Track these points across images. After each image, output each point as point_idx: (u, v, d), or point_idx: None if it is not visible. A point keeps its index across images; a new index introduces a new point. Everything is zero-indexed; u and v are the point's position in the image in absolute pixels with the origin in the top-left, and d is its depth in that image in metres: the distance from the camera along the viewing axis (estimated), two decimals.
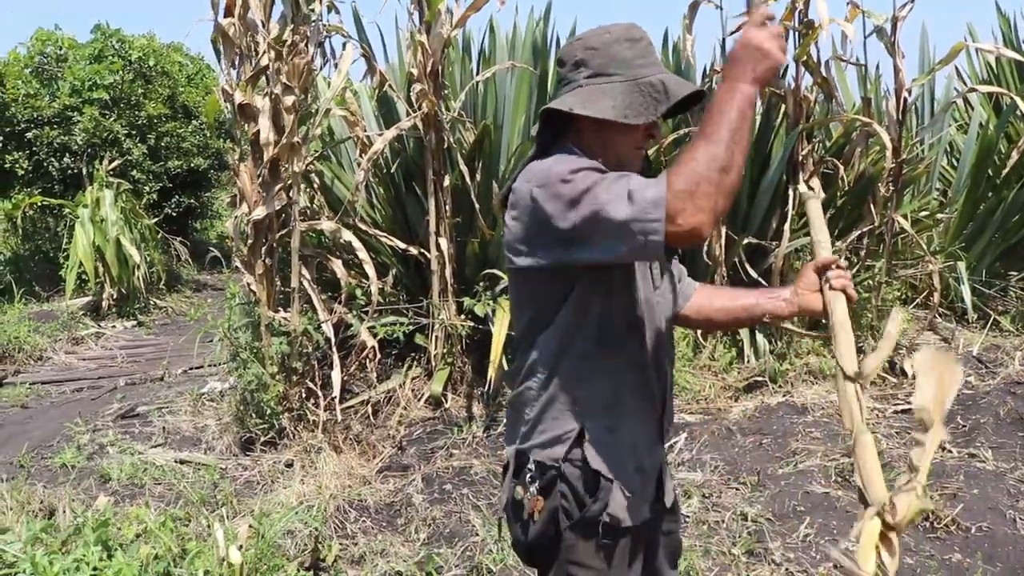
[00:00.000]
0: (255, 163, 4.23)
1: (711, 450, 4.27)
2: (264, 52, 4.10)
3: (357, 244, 4.33)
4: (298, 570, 3.11)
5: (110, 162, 8.46)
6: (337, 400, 4.26)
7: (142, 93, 9.58)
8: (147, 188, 9.45)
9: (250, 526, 2.90)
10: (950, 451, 4.19)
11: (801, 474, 3.96)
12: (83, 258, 7.95)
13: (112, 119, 9.26)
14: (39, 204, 8.95)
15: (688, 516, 3.53)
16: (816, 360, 5.36)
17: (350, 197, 4.46)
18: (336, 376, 4.28)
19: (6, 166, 8.86)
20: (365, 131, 4.60)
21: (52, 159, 9.03)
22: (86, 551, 2.84)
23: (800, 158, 5.34)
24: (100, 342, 7.41)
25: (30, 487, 3.88)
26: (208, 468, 4.18)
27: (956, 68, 8.02)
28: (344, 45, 4.48)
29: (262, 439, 4.35)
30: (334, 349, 4.32)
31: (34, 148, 9.00)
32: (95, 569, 2.81)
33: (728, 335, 5.57)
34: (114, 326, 8.00)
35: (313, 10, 4.15)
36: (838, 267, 1.73)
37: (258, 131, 4.13)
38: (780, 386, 5.18)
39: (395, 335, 4.95)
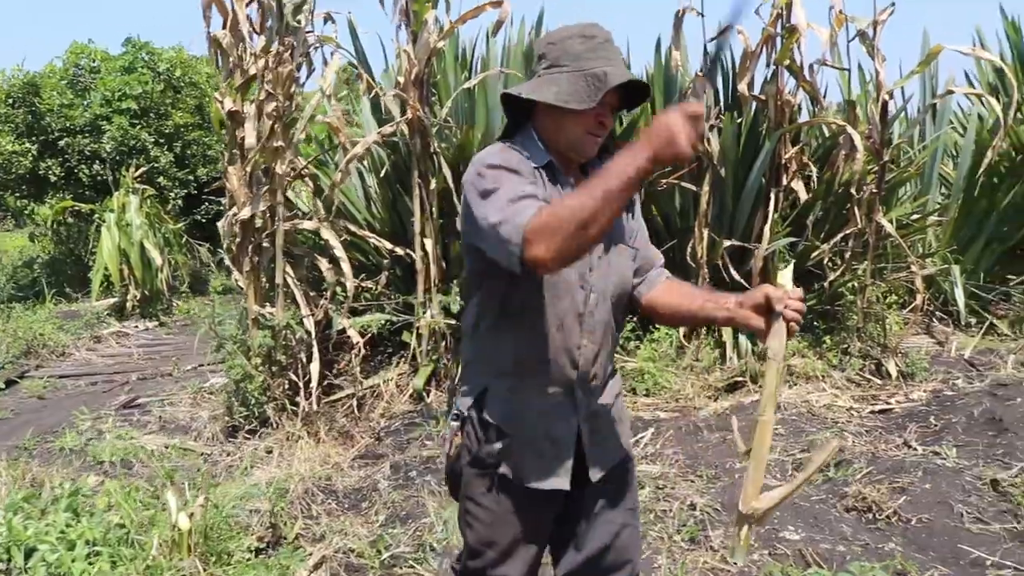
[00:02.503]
0: (243, 166, 4.47)
1: (675, 444, 4.38)
2: (252, 62, 4.34)
3: (335, 243, 4.54)
4: (258, 543, 3.32)
5: (136, 169, 8.84)
6: (315, 391, 4.46)
7: (170, 103, 9.99)
8: (173, 194, 9.85)
9: (206, 498, 3.10)
10: (913, 448, 4.24)
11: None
12: (108, 261, 8.33)
13: (140, 128, 9.67)
14: (70, 209, 9.39)
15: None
16: (799, 362, 5.43)
17: (328, 195, 4.67)
18: (315, 368, 4.49)
19: (40, 173, 9.33)
20: (348, 138, 4.81)
21: (83, 166, 9.48)
22: (56, 517, 3.09)
23: (784, 161, 5.43)
24: (121, 341, 7.75)
25: (27, 465, 4.15)
26: (193, 453, 4.43)
27: (965, 72, 8.02)
28: (331, 55, 4.70)
29: (246, 427, 4.57)
30: (314, 343, 4.53)
31: (66, 155, 9.47)
32: (62, 532, 3.05)
33: (713, 334, 5.66)
34: (136, 326, 8.34)
35: (299, 21, 4.38)
36: (800, 300, 1.75)
37: (244, 136, 4.37)
38: (760, 387, 5.25)
39: (383, 332, 5.16)
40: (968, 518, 3.45)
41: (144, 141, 9.59)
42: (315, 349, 4.53)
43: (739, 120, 5.53)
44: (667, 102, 5.85)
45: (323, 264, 4.74)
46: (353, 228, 5.17)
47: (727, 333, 5.55)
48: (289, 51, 4.32)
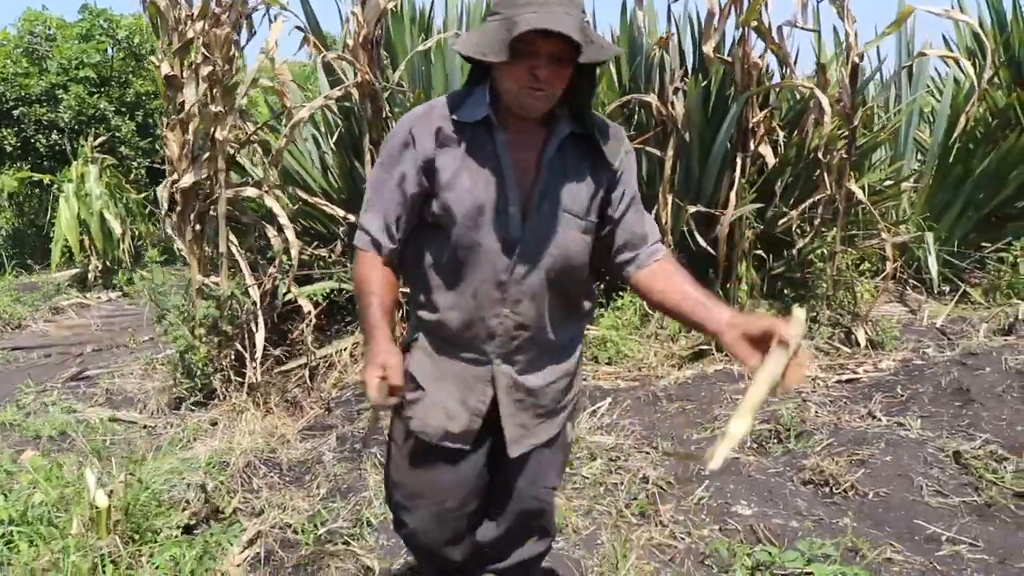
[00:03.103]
0: (182, 132, 4.28)
1: (632, 415, 4.25)
2: (189, 24, 4.14)
3: (278, 211, 4.36)
4: (190, 519, 3.18)
5: (95, 138, 8.60)
6: (258, 362, 4.30)
7: (131, 72, 9.72)
8: (135, 164, 9.60)
9: (128, 474, 2.96)
10: (878, 419, 4.13)
11: (714, 439, 3.91)
12: (67, 231, 8.11)
13: (99, 97, 9.41)
14: (30, 179, 9.14)
15: (588, 478, 3.53)
16: None
17: (271, 161, 4.48)
18: (260, 339, 4.34)
19: None
20: (291, 102, 4.63)
21: (40, 136, 9.22)
22: None
23: (751, 125, 5.27)
24: (81, 312, 7.56)
25: None
26: (135, 426, 4.28)
27: (944, 36, 7.85)
28: (275, 17, 4.50)
29: (192, 399, 4.42)
30: (259, 313, 4.37)
31: (22, 125, 9.20)
32: None
33: None
34: (99, 297, 8.15)
35: None
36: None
37: (183, 101, 4.18)
38: (726, 355, 5.14)
39: (340, 301, 5.00)
40: (928, 491, 3.34)
41: (104, 110, 9.33)
42: (260, 319, 4.37)
43: (704, 83, 5.35)
44: (632, 64, 5.68)
45: (271, 232, 4.57)
46: (304, 196, 4.99)
47: None
48: (226, 12, 4.12)
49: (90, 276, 8.43)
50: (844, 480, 3.38)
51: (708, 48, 5.20)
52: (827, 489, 3.38)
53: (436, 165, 1.78)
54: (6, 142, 9.11)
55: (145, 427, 4.28)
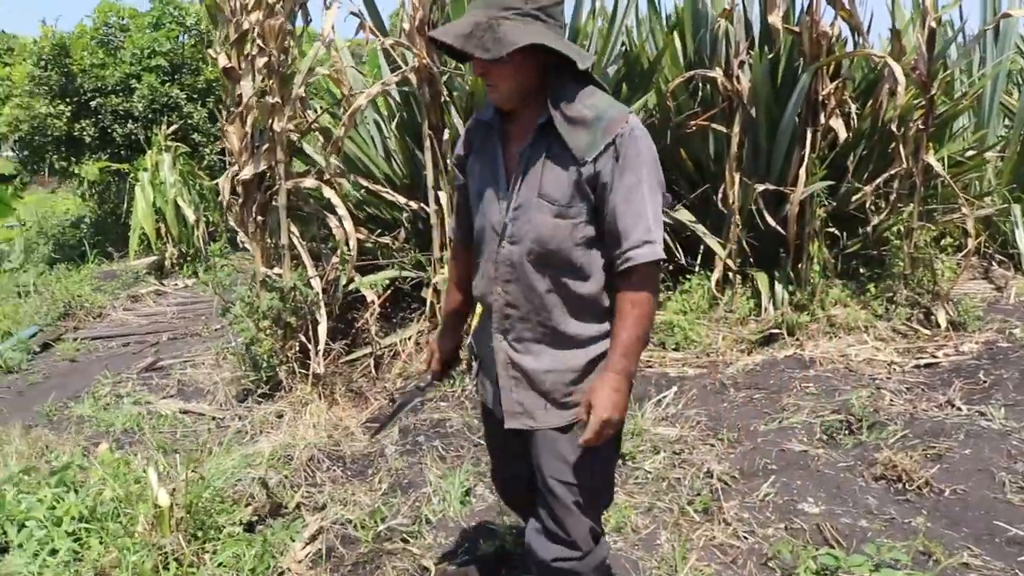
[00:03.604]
0: (242, 124, 4.31)
1: (698, 405, 4.15)
2: (243, 16, 4.15)
3: (336, 200, 4.37)
4: (253, 515, 3.24)
5: (168, 126, 8.80)
6: (321, 353, 4.34)
7: (201, 58, 9.89)
8: (208, 150, 9.79)
9: (188, 472, 3.02)
10: (957, 408, 3.94)
11: (783, 431, 3.81)
12: (143, 220, 8.35)
13: (171, 84, 9.61)
14: (106, 169, 9.43)
15: (650, 473, 3.46)
16: (842, 312, 5.10)
17: (330, 150, 4.47)
18: (323, 330, 4.37)
19: (75, 134, 9.37)
20: (350, 89, 4.62)
21: (116, 126, 9.48)
22: (46, 492, 3.05)
23: (821, 98, 5.04)
24: (158, 300, 7.78)
25: (41, 433, 4.15)
26: (205, 418, 4.38)
27: None
28: (331, 4, 4.47)
29: (258, 391, 4.50)
30: (321, 303, 4.40)
31: (99, 116, 9.47)
32: (51, 507, 3.02)
33: (749, 283, 5.36)
34: (175, 284, 8.37)
35: None
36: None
37: (241, 93, 4.21)
38: (797, 339, 4.97)
39: (405, 289, 5.02)
40: (1011, 488, 3.18)
41: (176, 98, 9.53)
42: (323, 310, 4.40)
43: (771, 55, 5.13)
44: (695, 37, 5.48)
45: (332, 222, 4.58)
46: (365, 183, 4.99)
47: (762, 281, 5.25)
48: (280, 2, 4.11)
49: (167, 263, 8.67)
50: (918, 476, 3.23)
51: (774, 18, 4.99)
52: (900, 485, 3.24)
53: (467, 162, 2.13)
54: (85, 133, 9.40)
55: (213, 419, 4.38)
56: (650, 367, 4.79)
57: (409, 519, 3.24)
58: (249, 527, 3.15)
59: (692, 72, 5.23)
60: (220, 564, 2.82)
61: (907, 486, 3.22)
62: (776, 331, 5.01)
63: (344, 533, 3.19)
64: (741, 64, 5.07)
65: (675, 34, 5.60)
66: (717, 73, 5.11)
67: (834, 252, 5.33)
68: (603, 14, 5.71)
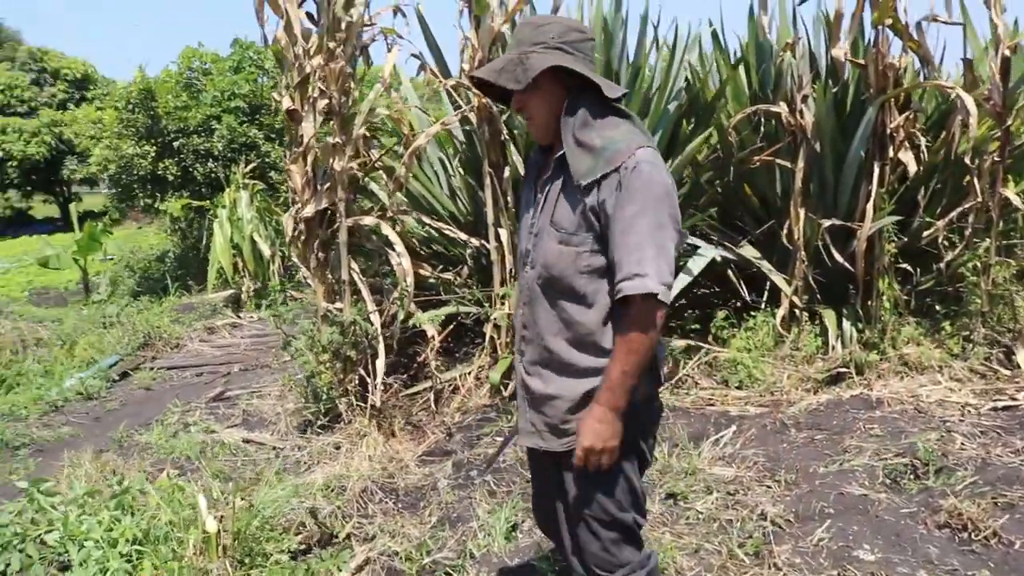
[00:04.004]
0: (304, 163, 4.45)
1: (756, 445, 4.05)
2: (306, 59, 4.31)
3: (394, 238, 4.45)
4: (301, 544, 3.29)
5: (246, 165, 9.14)
6: (379, 387, 4.40)
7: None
8: (284, 187, 10.12)
9: (235, 500, 3.09)
10: None
11: (843, 473, 3.68)
12: (220, 255, 8.67)
13: (249, 125, 10.01)
14: (187, 206, 9.86)
15: (701, 513, 3.38)
16: (915, 351, 4.92)
17: (392, 188, 4.57)
18: (380, 365, 4.43)
19: (159, 173, 9.83)
20: (411, 129, 4.73)
21: (197, 165, 9.92)
22: (104, 514, 3.17)
23: (889, 131, 4.92)
24: (234, 332, 8.04)
25: (110, 458, 4.32)
26: (265, 447, 4.48)
27: None
28: (389, 47, 4.61)
29: (318, 423, 4.58)
30: (380, 339, 4.47)
31: (182, 155, 9.93)
32: (108, 529, 3.13)
33: (815, 321, 5.22)
34: (251, 317, 8.64)
35: (352, 16, 4.30)
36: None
37: (303, 134, 4.35)
38: (865, 379, 4.81)
39: (468, 324, 5.07)
40: None
41: (254, 137, 9.93)
42: (381, 345, 4.47)
43: (835, 89, 5.04)
44: (759, 69, 5.42)
45: (393, 259, 4.67)
46: (428, 220, 5.08)
47: (830, 319, 5.11)
48: (340, 46, 4.25)
49: (243, 296, 8.96)
50: (986, 525, 3.06)
51: (838, 51, 4.91)
52: (965, 535, 3.07)
53: None
54: (168, 171, 9.86)
55: (273, 449, 4.48)
56: (711, 405, 4.70)
57: (455, 553, 3.24)
58: (298, 555, 3.20)
59: (755, 107, 5.17)
60: None
61: (973, 536, 3.06)
62: (844, 370, 4.86)
63: (390, 565, 3.21)
64: (805, 98, 4.99)
65: (739, 68, 5.55)
66: (781, 108, 5.04)
67: (906, 289, 5.16)
68: (664, 47, 5.72)
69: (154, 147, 9.86)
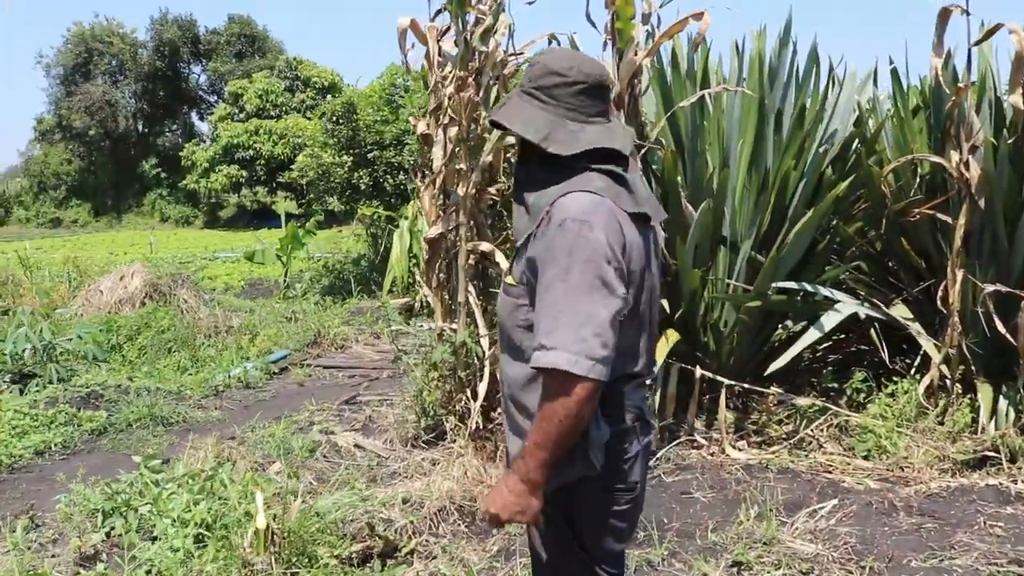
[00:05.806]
0: (433, 187, 4.66)
1: (854, 523, 3.72)
2: (441, 87, 4.51)
3: (505, 265, 4.52)
4: (358, 553, 3.43)
5: None
6: (479, 409, 4.48)
7: None
8: None
9: (286, 501, 3.29)
10: None
11: (941, 571, 3.30)
12: (395, 264, 9.17)
13: None
14: (377, 215, 10.52)
15: None
16: None
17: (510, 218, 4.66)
18: (483, 387, 4.52)
19: (354, 182, 10.56)
20: None
21: (388, 176, 10.55)
22: (181, 497, 3.50)
23: None
24: (398, 339, 8.45)
25: (228, 445, 4.71)
26: (371, 454, 4.71)
27: None
28: None
29: (423, 438, 4.75)
30: (486, 361, 4.56)
31: (375, 167, 10.60)
32: (187, 509, 3.45)
33: (968, 395, 4.70)
34: (421, 325, 9.05)
35: (488, 47, 4.45)
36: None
37: (432, 158, 4.56)
38: (1019, 467, 4.28)
39: None
40: None
41: None
42: (487, 368, 4.56)
43: (1011, 140, 4.52)
44: (936, 114, 4.94)
45: None
46: None
47: (985, 394, 4.58)
48: (473, 76, 4.41)
49: (417, 305, 9.39)
50: None
51: (1016, 98, 4.40)
52: None
53: None
54: (362, 181, 10.57)
55: (378, 457, 4.69)
56: (828, 472, 4.37)
57: None
58: (354, 563, 3.34)
59: (912, 155, 4.76)
60: None
61: None
62: (992, 454, 4.35)
63: None
64: (973, 149, 4.52)
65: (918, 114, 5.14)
66: (942, 159, 4.60)
67: None
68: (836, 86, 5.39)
69: (351, 158, 10.61)
